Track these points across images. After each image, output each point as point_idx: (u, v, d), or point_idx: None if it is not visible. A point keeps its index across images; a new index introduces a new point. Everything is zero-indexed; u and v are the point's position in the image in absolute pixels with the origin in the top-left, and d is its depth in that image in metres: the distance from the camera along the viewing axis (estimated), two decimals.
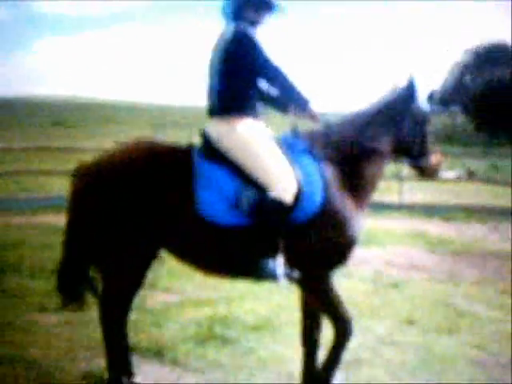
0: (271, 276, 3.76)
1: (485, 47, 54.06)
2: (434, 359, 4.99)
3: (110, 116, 57.01)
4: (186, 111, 60.82)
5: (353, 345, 4.80)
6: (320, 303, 4.03)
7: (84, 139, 28.47)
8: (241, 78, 3.84)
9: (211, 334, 5.41)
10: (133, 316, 5.95)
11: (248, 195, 3.74)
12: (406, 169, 15.31)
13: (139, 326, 5.54)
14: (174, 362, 4.89)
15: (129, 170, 3.78)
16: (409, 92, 4.18)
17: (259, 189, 3.74)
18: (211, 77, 3.96)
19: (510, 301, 6.64)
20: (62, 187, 17.07)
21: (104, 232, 3.82)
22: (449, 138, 39.96)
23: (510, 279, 7.59)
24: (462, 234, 11.08)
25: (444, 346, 5.27)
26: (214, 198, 3.73)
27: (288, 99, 3.99)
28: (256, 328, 5.65)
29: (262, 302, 6.43)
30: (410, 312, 6.13)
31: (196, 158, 3.83)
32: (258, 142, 3.82)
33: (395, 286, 6.99)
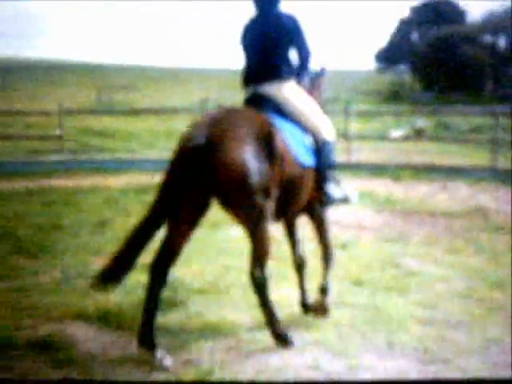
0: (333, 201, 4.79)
1: (431, 4, 54.45)
2: (384, 319, 5.02)
3: (56, 78, 55.80)
4: (132, 72, 59.95)
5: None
6: (325, 231, 4.99)
7: (28, 102, 27.84)
8: (289, 52, 4.69)
9: None
10: (78, 282, 5.96)
11: (309, 140, 4.67)
12: (353, 128, 15.43)
13: (84, 292, 5.50)
14: (121, 328, 4.86)
15: (236, 131, 4.09)
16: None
17: (313, 134, 4.70)
18: (257, 50, 4.66)
19: (458, 259, 6.75)
20: (4, 150, 16.80)
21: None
22: (396, 96, 40.35)
23: (458, 238, 7.72)
24: (411, 193, 11.20)
25: (393, 305, 5.31)
26: (297, 146, 4.47)
27: (304, 72, 4.87)
28: (203, 291, 5.65)
29: (209, 265, 6.42)
30: (359, 273, 6.18)
31: (270, 116, 4.47)
32: (305, 96, 4.73)
33: (344, 246, 7.00)
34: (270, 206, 4.20)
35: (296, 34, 4.64)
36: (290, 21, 4.63)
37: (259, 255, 4.25)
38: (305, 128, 4.69)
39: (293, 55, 4.77)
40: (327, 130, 4.75)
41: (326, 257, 5.08)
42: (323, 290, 5.05)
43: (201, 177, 4.01)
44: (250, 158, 4.02)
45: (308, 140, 4.68)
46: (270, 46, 4.61)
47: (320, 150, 4.68)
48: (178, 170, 4.05)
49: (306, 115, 4.69)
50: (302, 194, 4.64)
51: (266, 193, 4.14)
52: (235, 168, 3.96)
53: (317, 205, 4.89)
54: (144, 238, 4.29)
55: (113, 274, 4.24)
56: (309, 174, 4.62)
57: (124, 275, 4.27)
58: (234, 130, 4.07)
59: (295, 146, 4.46)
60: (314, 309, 5.09)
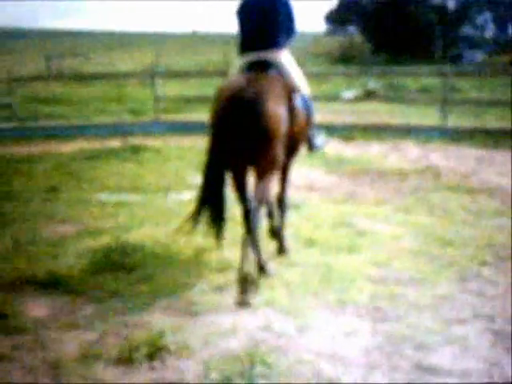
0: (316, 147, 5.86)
1: None
2: (335, 278, 5.03)
3: (6, 45, 54.71)
4: (82, 38, 59.00)
5: (251, 267, 4.80)
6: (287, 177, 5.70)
7: None
8: (282, 25, 5.44)
9: (108, 263, 5.37)
10: (28, 247, 5.88)
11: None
12: None
13: (35, 258, 5.55)
14: (72, 292, 4.85)
15: (273, 90, 4.95)
16: None
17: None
18: (256, 24, 5.39)
19: (409, 218, 6.80)
20: None
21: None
22: (346, 58, 40.40)
23: (409, 197, 7.77)
24: (361, 153, 11.24)
25: (344, 264, 5.33)
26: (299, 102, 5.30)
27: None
28: (154, 255, 5.63)
29: (161, 229, 6.38)
30: (310, 233, 6.18)
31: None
32: (293, 62, 5.53)
33: (295, 207, 6.96)
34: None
35: (288, 11, 5.49)
36: (286, 5, 5.48)
37: (262, 196, 4.95)
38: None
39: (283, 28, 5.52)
40: (307, 88, 5.58)
41: (285, 201, 5.75)
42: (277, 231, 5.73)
43: (248, 121, 4.73)
44: (283, 111, 4.92)
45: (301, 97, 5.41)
46: (268, 21, 5.39)
47: (306, 104, 5.45)
48: (230, 115, 4.78)
49: (296, 77, 5.44)
50: (300, 143, 5.54)
51: (283, 143, 4.99)
52: (275, 118, 4.80)
53: (293, 154, 5.57)
54: (216, 178, 5.12)
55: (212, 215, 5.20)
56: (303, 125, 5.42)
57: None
58: (273, 90, 4.93)
59: (299, 102, 5.29)
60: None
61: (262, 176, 4.94)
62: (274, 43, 5.40)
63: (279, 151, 4.94)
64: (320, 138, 5.93)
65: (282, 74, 5.31)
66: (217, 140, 5.00)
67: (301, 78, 5.53)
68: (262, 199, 4.98)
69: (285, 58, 5.45)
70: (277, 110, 4.84)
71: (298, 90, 5.32)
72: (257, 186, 4.95)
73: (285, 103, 4.98)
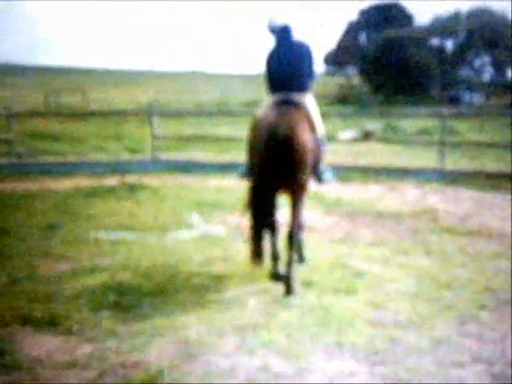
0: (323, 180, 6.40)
1: (379, 7, 55.21)
2: (333, 320, 5.04)
3: (4, 80, 55.14)
4: (80, 75, 59.48)
5: (249, 308, 4.81)
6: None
7: None
8: (309, 72, 6.37)
9: (105, 302, 5.37)
10: (25, 285, 5.89)
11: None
12: None
13: (31, 296, 5.53)
14: (69, 332, 4.84)
15: (304, 126, 5.92)
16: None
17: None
18: (285, 70, 6.27)
19: (407, 260, 6.82)
20: None
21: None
22: (344, 98, 40.75)
23: (407, 239, 7.80)
24: (359, 194, 11.29)
25: (342, 306, 5.34)
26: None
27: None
28: (151, 294, 5.62)
29: (158, 268, 6.39)
30: (308, 274, 6.20)
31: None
32: (315, 105, 6.41)
33: None
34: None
35: (309, 59, 6.36)
36: (306, 49, 6.36)
37: (301, 222, 6.17)
38: None
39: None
40: (322, 128, 6.37)
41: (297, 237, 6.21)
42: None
43: (286, 154, 5.67)
44: (312, 144, 5.88)
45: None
46: (295, 67, 6.30)
47: (321, 142, 6.24)
48: (273, 150, 5.66)
49: (316, 117, 6.25)
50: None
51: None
52: (307, 148, 5.77)
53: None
54: (263, 203, 5.91)
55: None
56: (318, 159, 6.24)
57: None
58: (304, 125, 5.89)
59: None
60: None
61: (297, 199, 5.95)
62: (301, 86, 6.31)
63: (308, 177, 5.98)
64: (327, 173, 6.47)
65: (307, 113, 6.11)
66: (264, 167, 5.81)
67: (319, 119, 6.34)
68: (302, 225, 6.39)
69: (309, 99, 6.32)
70: (308, 142, 5.81)
71: (317, 129, 6.17)
72: (295, 213, 5.94)
73: (313, 137, 5.96)
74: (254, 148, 6.04)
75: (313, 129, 6.08)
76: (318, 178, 6.38)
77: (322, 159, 6.33)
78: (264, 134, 5.78)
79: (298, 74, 6.34)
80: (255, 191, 5.93)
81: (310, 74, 6.41)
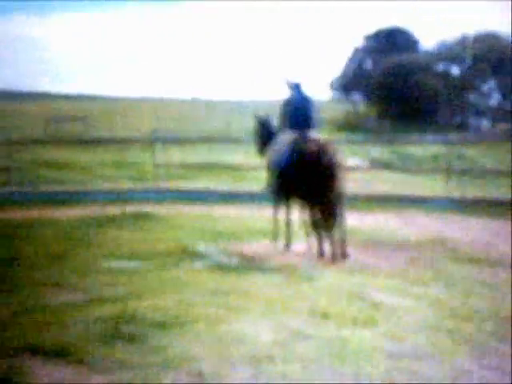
0: None
1: (385, 33, 55.45)
2: (350, 353, 5.03)
3: (4, 107, 55.45)
4: (80, 102, 59.77)
5: (265, 340, 4.81)
6: None
7: None
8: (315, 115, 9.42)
9: (118, 333, 5.35)
10: (35, 315, 5.89)
11: None
12: None
13: (43, 326, 5.49)
14: (80, 363, 4.79)
15: (332, 151, 8.77)
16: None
17: None
18: (300, 114, 9.23)
19: (424, 290, 6.82)
20: None
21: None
22: (351, 125, 40.87)
23: (422, 268, 7.81)
24: (368, 223, 11.32)
25: (360, 338, 5.32)
26: None
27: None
28: (164, 325, 5.59)
29: (171, 298, 6.39)
30: (324, 305, 6.18)
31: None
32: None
33: (308, 278, 7.02)
34: None
35: (314, 107, 9.38)
36: (312, 100, 9.39)
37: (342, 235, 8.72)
38: None
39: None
40: None
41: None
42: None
43: (321, 173, 8.44)
44: (337, 166, 8.51)
45: None
46: (308, 110, 9.29)
47: None
48: (310, 170, 8.47)
49: None
50: None
51: None
52: (336, 170, 8.52)
53: None
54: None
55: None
56: None
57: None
58: (333, 151, 8.59)
59: None
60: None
61: (327, 218, 8.58)
62: (313, 126, 9.13)
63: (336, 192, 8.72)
64: None
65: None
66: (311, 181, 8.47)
67: None
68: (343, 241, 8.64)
69: (318, 135, 8.97)
70: (336, 164, 8.50)
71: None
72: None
73: (336, 160, 8.54)
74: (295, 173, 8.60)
75: None
76: None
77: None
78: (307, 158, 8.47)
79: (310, 115, 9.23)
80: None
81: (316, 115, 9.26)
